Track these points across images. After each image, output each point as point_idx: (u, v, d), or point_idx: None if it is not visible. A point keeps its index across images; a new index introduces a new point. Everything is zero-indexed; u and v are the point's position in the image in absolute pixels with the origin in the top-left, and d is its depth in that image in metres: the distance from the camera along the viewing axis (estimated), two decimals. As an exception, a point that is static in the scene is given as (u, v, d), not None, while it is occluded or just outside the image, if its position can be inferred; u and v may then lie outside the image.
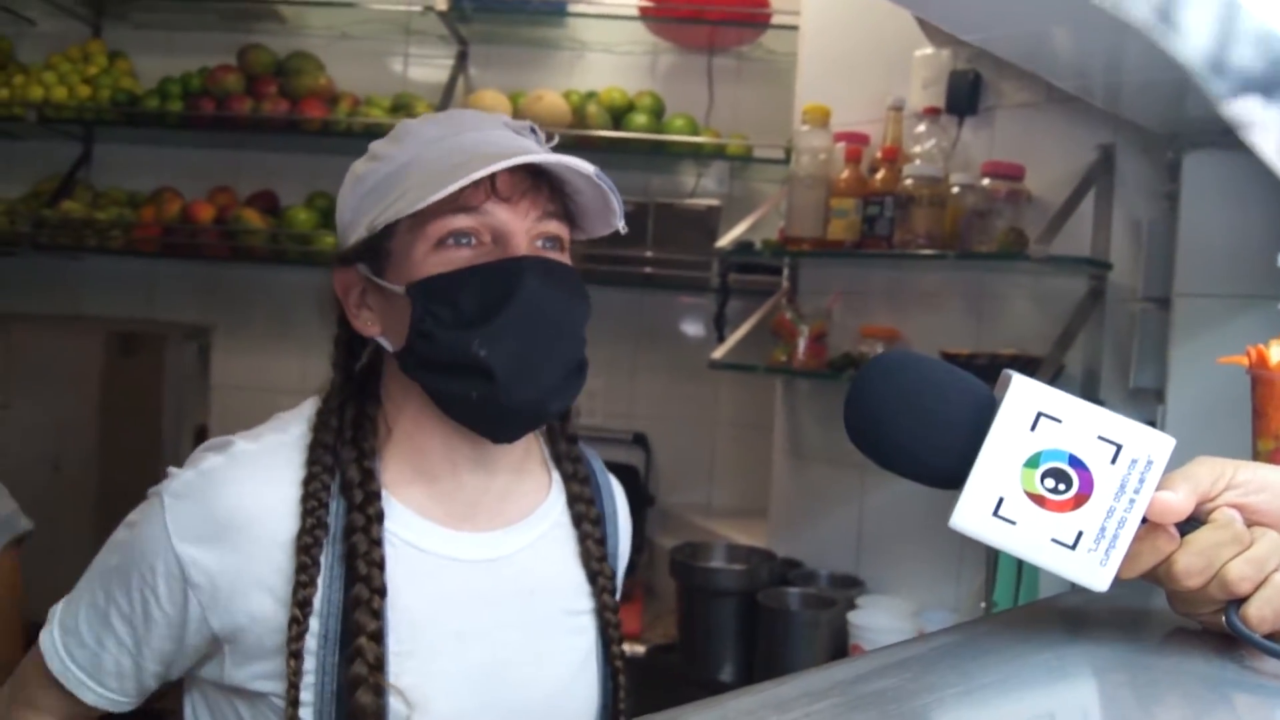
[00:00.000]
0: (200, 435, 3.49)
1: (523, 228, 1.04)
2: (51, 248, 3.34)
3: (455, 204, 1.01)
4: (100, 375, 3.31)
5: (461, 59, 3.47)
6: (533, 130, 1.13)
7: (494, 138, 1.08)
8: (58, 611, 1.11)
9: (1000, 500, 0.74)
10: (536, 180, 1.05)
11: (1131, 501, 0.73)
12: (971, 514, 0.74)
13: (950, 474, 0.75)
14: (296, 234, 3.29)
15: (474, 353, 1.01)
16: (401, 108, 3.31)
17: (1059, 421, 0.74)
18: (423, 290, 1.03)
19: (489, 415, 1.05)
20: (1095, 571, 0.74)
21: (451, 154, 1.04)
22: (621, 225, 1.10)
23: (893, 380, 0.78)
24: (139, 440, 3.37)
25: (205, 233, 3.31)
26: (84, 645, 1.07)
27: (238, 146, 3.51)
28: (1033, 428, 0.74)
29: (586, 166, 1.02)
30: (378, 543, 1.04)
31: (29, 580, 1.78)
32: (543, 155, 1.01)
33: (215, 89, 3.29)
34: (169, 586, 1.03)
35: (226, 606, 1.02)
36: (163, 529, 1.03)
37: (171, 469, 1.07)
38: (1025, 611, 0.94)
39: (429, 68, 3.54)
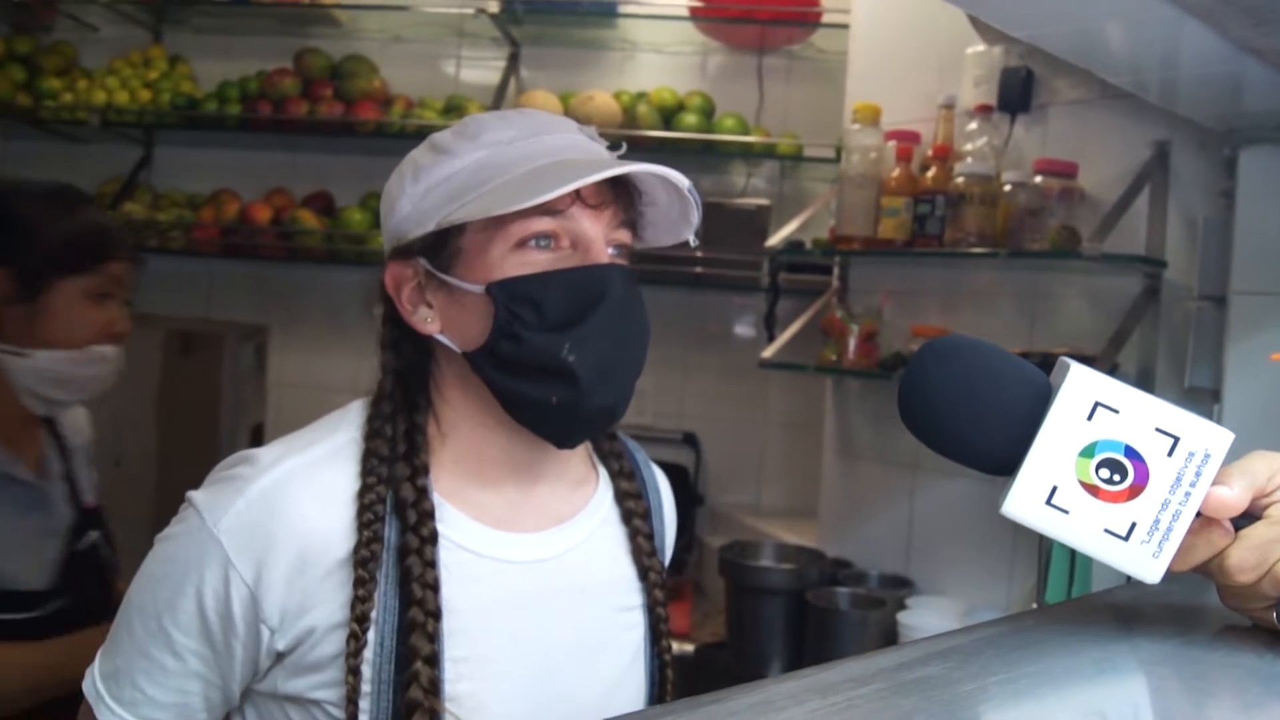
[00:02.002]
0: (256, 433, 3.54)
1: (602, 235, 1.04)
2: (113, 248, 3.40)
3: (540, 206, 0.99)
4: (160, 373, 3.36)
5: (513, 60, 3.50)
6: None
7: (574, 142, 1.07)
8: (101, 687, 1.05)
9: (1054, 489, 0.73)
10: (616, 189, 1.05)
11: (1187, 495, 0.73)
12: (1024, 502, 0.74)
13: (1003, 461, 0.75)
14: (351, 234, 3.34)
15: (563, 357, 1.00)
16: (454, 109, 3.34)
17: (1116, 412, 0.73)
18: (507, 291, 1.01)
19: (564, 420, 1.04)
20: (1148, 563, 0.73)
21: (534, 156, 1.03)
22: (694, 238, 1.10)
23: (947, 365, 0.77)
24: (197, 437, 3.43)
25: (262, 233, 3.37)
26: (165, 707, 1.04)
27: (294, 149, 3.57)
28: (1089, 417, 0.73)
29: (681, 180, 1.03)
30: (431, 564, 1.03)
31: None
32: (642, 165, 1.00)
33: (272, 92, 3.35)
34: (246, 623, 1.01)
35: (293, 626, 1.01)
36: (230, 570, 1.00)
37: (200, 499, 1.04)
38: (1073, 605, 0.94)
39: (481, 69, 3.57)
